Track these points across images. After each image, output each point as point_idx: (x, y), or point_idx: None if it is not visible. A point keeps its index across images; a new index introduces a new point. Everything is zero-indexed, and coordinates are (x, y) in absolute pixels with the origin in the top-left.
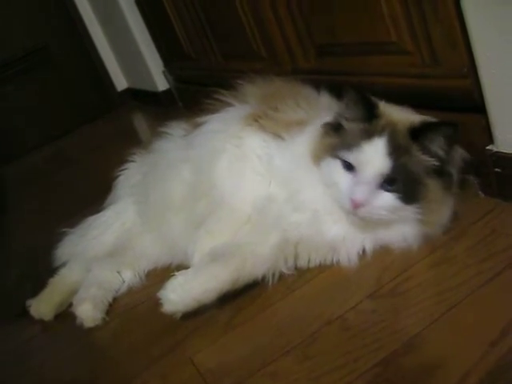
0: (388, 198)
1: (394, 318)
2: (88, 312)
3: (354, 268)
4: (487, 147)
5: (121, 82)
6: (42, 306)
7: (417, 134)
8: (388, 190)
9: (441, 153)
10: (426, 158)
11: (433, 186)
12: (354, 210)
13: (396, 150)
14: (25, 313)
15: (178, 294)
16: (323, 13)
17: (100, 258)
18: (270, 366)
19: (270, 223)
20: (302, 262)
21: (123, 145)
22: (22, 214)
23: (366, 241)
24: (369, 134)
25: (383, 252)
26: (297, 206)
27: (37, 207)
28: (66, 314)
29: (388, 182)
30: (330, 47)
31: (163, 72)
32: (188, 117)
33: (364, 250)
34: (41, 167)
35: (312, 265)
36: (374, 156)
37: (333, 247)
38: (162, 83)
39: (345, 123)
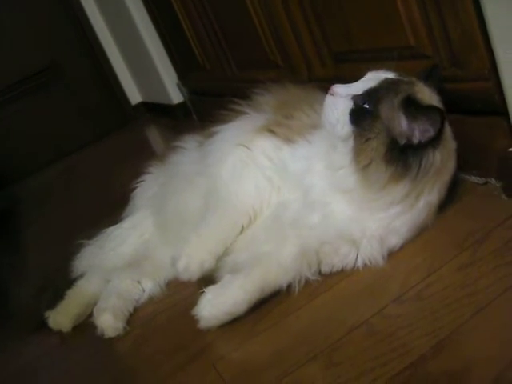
0: (346, 107)
1: (420, 322)
2: (109, 322)
3: (377, 273)
4: (510, 149)
5: (135, 96)
6: (60, 318)
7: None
8: (352, 111)
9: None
10: (402, 128)
11: (378, 148)
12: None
13: (384, 95)
14: (43, 325)
15: (209, 311)
16: (339, 19)
17: (119, 269)
18: (294, 373)
19: (287, 230)
20: (326, 267)
21: (138, 159)
22: (39, 229)
23: (376, 224)
24: None
25: (407, 255)
26: (310, 205)
27: (53, 222)
28: (84, 326)
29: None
30: (347, 54)
31: (177, 84)
32: (201, 128)
33: (387, 248)
34: (55, 183)
35: (335, 269)
36: (363, 82)
37: (352, 241)
38: (176, 96)
39: None
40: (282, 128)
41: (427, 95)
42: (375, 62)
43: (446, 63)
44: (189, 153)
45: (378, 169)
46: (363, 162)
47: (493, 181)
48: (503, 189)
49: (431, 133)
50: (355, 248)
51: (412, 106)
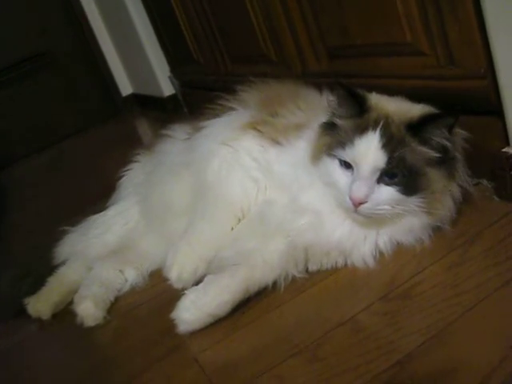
0: (388, 192)
1: (408, 320)
2: (89, 310)
3: (366, 270)
4: (503, 149)
5: (126, 87)
6: (40, 305)
7: (416, 128)
8: (387, 184)
9: (444, 142)
10: (426, 149)
11: (434, 175)
12: (356, 208)
13: (391, 143)
14: (22, 312)
15: (192, 313)
16: (335, 13)
17: (102, 257)
18: (277, 367)
19: (273, 229)
20: (314, 266)
21: (126, 149)
22: (23, 215)
23: (373, 239)
24: (361, 129)
25: (396, 254)
26: (299, 209)
27: (38, 208)
28: (64, 313)
29: (387, 176)
30: (342, 49)
31: (169, 77)
32: (191, 120)
33: (378, 252)
34: (41, 171)
35: (324, 268)
36: (368, 150)
37: (342, 250)
38: (167, 88)
39: (337, 121)
40: (267, 127)
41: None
42: (370, 58)
43: (442, 61)
44: (176, 143)
45: None
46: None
47: (485, 182)
48: (495, 190)
49: (445, 133)
50: (344, 251)
51: (417, 130)
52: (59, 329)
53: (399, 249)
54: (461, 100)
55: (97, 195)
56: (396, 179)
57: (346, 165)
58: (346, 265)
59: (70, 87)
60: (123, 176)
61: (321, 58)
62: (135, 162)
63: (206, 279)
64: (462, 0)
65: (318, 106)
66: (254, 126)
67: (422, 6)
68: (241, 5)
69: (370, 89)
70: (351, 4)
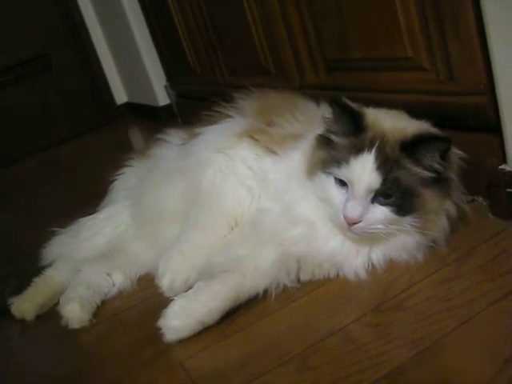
0: (382, 212)
1: (400, 331)
2: (75, 312)
3: (358, 282)
4: (500, 167)
5: (120, 96)
6: (24, 305)
7: (409, 148)
8: (382, 204)
9: (435, 165)
10: (419, 170)
11: (429, 195)
12: (349, 227)
13: (386, 164)
14: (5, 312)
15: (182, 320)
16: (336, 25)
17: (90, 260)
18: (266, 375)
19: (266, 237)
20: (306, 276)
21: (117, 157)
22: (13, 216)
23: (366, 253)
24: (357, 149)
25: (389, 267)
26: (292, 219)
27: (28, 210)
28: (48, 315)
29: (382, 196)
30: (342, 62)
31: (165, 86)
32: (187, 126)
33: (371, 265)
34: (33, 174)
35: (316, 278)
36: (363, 172)
37: (334, 262)
38: (162, 98)
39: (333, 138)
40: (264, 136)
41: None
42: (369, 72)
43: (442, 76)
44: (171, 148)
45: None
46: None
47: (480, 199)
48: (490, 207)
49: (437, 157)
50: (336, 264)
51: (410, 151)
52: (43, 330)
53: (392, 262)
54: (459, 116)
55: (87, 199)
56: (390, 200)
57: (341, 182)
58: (337, 276)
59: (64, 93)
60: (115, 180)
61: (319, 71)
62: (128, 166)
63: (196, 286)
64: (464, 16)
65: (314, 117)
66: (250, 135)
67: (424, 22)
68: (241, 15)
69: (368, 103)
70: (353, 16)
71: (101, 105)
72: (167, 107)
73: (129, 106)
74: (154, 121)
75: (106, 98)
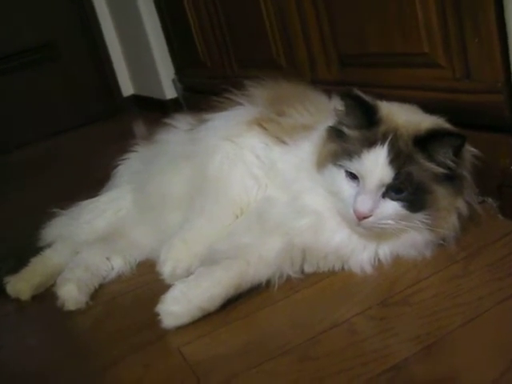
0: (393, 207)
1: (406, 326)
2: (71, 293)
3: (363, 276)
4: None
5: (127, 88)
6: (20, 284)
7: (422, 142)
8: (393, 199)
9: (448, 162)
10: (432, 165)
11: (441, 192)
12: (359, 221)
13: (399, 158)
14: (1, 291)
15: (182, 305)
16: (352, 19)
17: (90, 242)
18: (266, 363)
19: (271, 226)
20: (310, 268)
21: (121, 149)
22: (15, 199)
23: (373, 248)
24: (370, 142)
25: (396, 263)
26: (299, 209)
27: (30, 194)
28: (44, 296)
29: (393, 191)
30: (355, 57)
31: (173, 80)
32: (196, 112)
33: (377, 260)
34: (33, 162)
35: (320, 271)
36: (376, 165)
37: (340, 255)
38: (170, 91)
39: (346, 130)
40: (273, 125)
41: (410, 119)
42: (384, 67)
43: (458, 74)
44: (179, 133)
45: None
46: None
47: (490, 200)
48: (500, 208)
49: (450, 153)
50: (342, 257)
51: (423, 146)
52: (38, 311)
53: (399, 258)
54: (473, 114)
55: (90, 185)
56: (402, 195)
57: (352, 176)
58: (342, 269)
59: (70, 82)
60: (119, 164)
61: (332, 66)
62: (133, 151)
63: (197, 271)
64: (484, 13)
65: (325, 110)
66: (260, 123)
67: (442, 17)
68: (255, 6)
69: (381, 99)
70: (369, 10)
71: (107, 96)
72: (174, 100)
73: (135, 98)
74: (160, 114)
75: (112, 90)
